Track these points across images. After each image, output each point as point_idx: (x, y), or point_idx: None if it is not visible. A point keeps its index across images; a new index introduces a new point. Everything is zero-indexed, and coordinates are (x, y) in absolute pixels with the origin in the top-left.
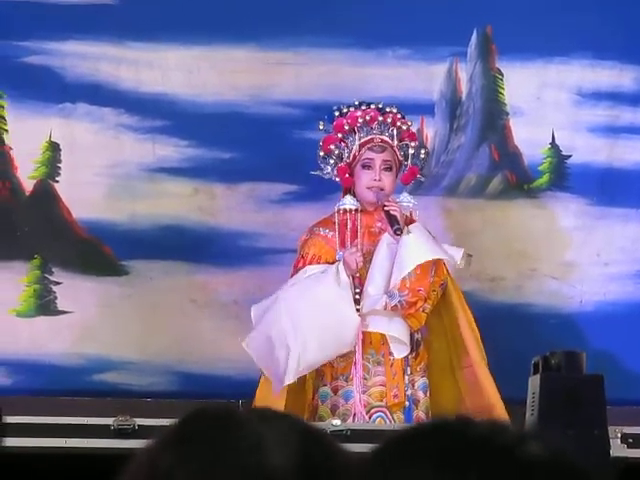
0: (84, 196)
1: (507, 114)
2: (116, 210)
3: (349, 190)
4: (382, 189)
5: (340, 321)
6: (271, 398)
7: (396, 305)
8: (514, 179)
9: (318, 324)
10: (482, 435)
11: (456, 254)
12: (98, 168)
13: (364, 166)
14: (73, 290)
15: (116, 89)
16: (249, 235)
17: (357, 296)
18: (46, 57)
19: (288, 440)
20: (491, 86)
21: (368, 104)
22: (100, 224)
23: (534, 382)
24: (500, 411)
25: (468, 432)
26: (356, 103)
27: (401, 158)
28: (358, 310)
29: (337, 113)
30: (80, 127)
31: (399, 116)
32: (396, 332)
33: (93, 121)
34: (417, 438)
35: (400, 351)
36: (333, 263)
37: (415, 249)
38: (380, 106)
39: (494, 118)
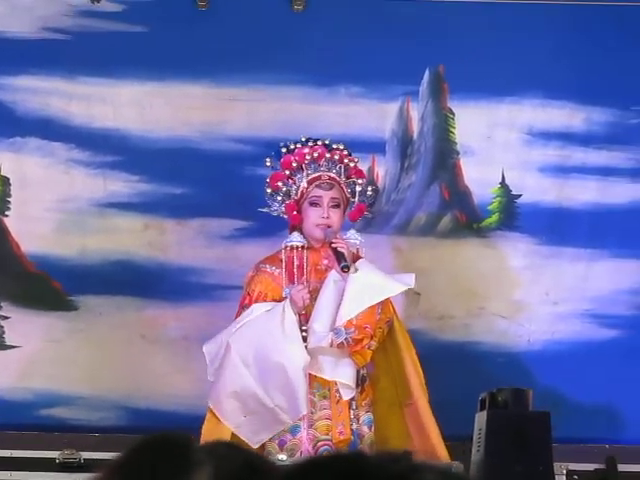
0: (34, 231)
1: (458, 153)
2: (66, 245)
3: (295, 227)
4: (330, 226)
5: (291, 364)
6: (217, 433)
7: (342, 342)
8: (464, 218)
9: (274, 374)
10: (376, 464)
11: (408, 279)
12: (48, 203)
13: (312, 203)
14: (21, 325)
15: (67, 124)
16: (199, 271)
17: (304, 333)
18: None
19: (238, 475)
20: (442, 125)
21: (315, 140)
22: (49, 259)
23: (481, 418)
24: (441, 448)
25: (363, 462)
26: (303, 139)
27: (348, 195)
28: (305, 347)
29: (284, 150)
30: (30, 162)
31: (346, 153)
32: (342, 377)
33: (44, 156)
34: (314, 469)
35: (347, 394)
36: (279, 300)
37: (364, 289)
38: (327, 143)
39: (445, 157)
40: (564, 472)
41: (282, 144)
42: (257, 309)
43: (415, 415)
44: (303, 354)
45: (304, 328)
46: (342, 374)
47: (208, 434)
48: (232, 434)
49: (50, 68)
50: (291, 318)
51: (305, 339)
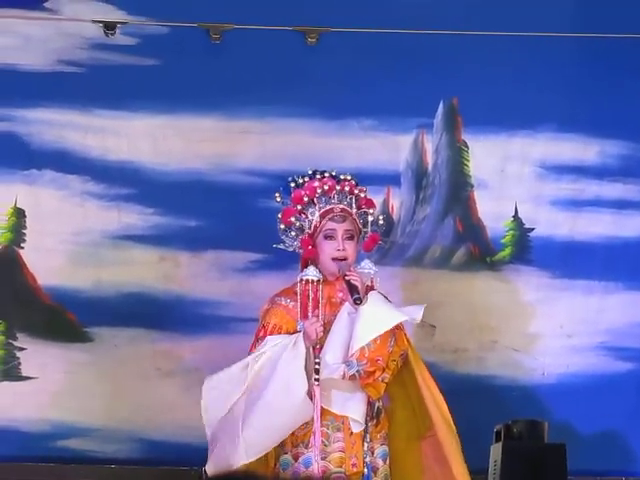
0: (49, 263)
1: (472, 186)
2: (81, 277)
3: (307, 261)
4: (345, 259)
5: (293, 401)
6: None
7: (354, 375)
8: (477, 251)
9: (273, 407)
10: None
11: (416, 312)
12: (63, 235)
13: (326, 237)
14: (37, 356)
15: (82, 156)
16: (214, 303)
17: (317, 366)
18: (12, 124)
19: None
20: (456, 158)
21: (322, 172)
22: (65, 291)
23: (496, 450)
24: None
25: None
26: (310, 172)
27: (360, 226)
28: (317, 380)
29: (293, 184)
30: (46, 194)
31: (354, 183)
32: (351, 412)
33: (59, 188)
34: None
35: (355, 427)
36: (294, 332)
37: (371, 320)
38: (334, 174)
39: (459, 190)
40: None
41: (290, 179)
42: (271, 341)
43: (435, 447)
44: (300, 393)
45: (317, 360)
46: (352, 409)
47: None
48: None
49: (65, 101)
50: (302, 352)
51: (317, 371)
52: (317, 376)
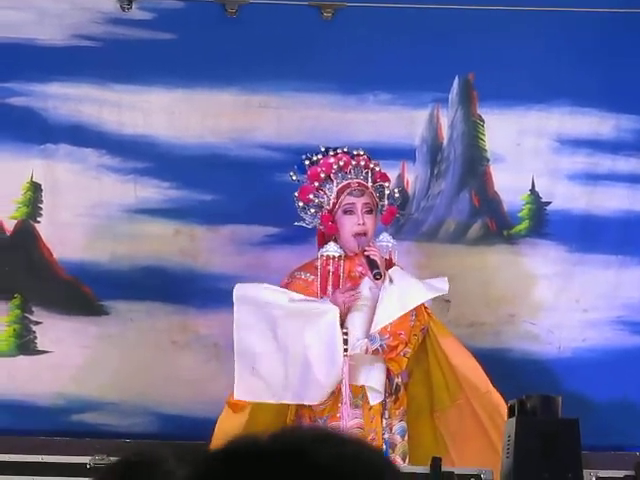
0: (65, 236)
1: (487, 160)
2: (97, 251)
3: (325, 237)
4: (366, 233)
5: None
6: (230, 424)
7: (377, 349)
8: (494, 225)
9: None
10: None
11: (441, 284)
12: (79, 209)
13: (346, 211)
14: (53, 330)
15: (98, 130)
16: (230, 277)
17: (345, 336)
18: (28, 98)
19: None
20: (472, 132)
21: (335, 149)
22: (81, 264)
23: (510, 425)
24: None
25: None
26: (322, 150)
27: (377, 199)
28: (346, 351)
29: (307, 162)
30: (61, 168)
31: (368, 157)
32: (373, 382)
33: (74, 162)
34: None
35: (374, 398)
36: None
37: (397, 298)
38: (346, 150)
39: (474, 164)
40: (593, 479)
41: (304, 156)
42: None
43: (459, 417)
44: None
45: (345, 331)
46: (372, 379)
47: (221, 424)
48: (245, 425)
49: (80, 75)
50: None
51: (346, 342)
52: (346, 346)
